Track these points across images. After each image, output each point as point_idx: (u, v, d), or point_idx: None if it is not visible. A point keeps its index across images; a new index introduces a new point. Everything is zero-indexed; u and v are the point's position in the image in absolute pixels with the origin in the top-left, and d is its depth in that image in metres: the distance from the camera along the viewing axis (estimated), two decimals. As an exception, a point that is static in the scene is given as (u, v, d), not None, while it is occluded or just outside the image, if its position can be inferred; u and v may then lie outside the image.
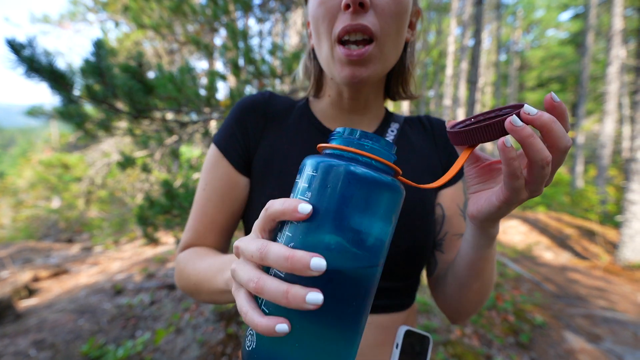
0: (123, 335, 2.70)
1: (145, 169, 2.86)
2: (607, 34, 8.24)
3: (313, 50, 0.53)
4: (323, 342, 0.26)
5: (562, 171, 14.83)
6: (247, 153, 0.51)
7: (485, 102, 17.83)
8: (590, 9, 10.67)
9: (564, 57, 16.82)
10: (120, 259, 5.32)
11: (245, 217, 0.54)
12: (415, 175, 0.52)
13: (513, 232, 6.89)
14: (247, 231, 0.53)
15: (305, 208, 0.25)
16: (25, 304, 3.60)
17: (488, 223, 0.35)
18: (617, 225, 5.29)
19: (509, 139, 0.29)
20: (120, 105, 1.80)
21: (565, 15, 20.21)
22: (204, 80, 2.83)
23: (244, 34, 2.99)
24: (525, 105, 0.28)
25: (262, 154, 0.51)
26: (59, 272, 4.69)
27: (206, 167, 0.52)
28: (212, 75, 2.93)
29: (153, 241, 2.36)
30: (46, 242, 7.21)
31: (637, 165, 4.56)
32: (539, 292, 4.00)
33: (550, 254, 5.72)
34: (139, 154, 4.58)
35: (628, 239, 4.67)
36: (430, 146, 0.57)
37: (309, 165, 0.28)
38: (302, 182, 0.28)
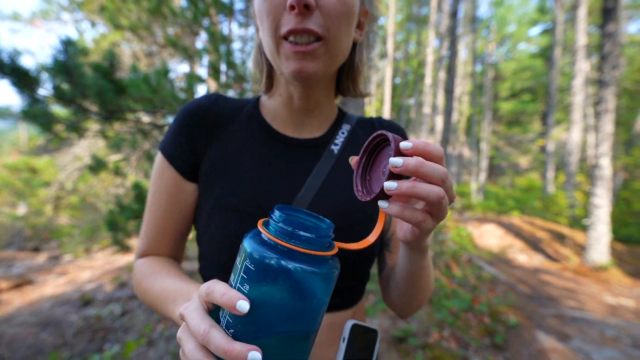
0: (90, 349, 2.56)
1: (119, 172, 2.75)
2: (572, 48, 8.78)
3: (261, 44, 0.51)
4: None
5: (535, 177, 15.52)
6: (193, 159, 0.51)
7: (463, 110, 18.47)
8: (557, 25, 11.35)
9: (534, 69, 17.76)
10: (91, 268, 5.06)
11: (195, 222, 0.54)
12: None
13: (489, 235, 7.11)
14: (198, 236, 0.53)
15: (244, 307, 0.27)
16: (-18, 317, 3.35)
17: (415, 244, 0.39)
18: (584, 229, 5.56)
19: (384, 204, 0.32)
20: (90, 105, 1.73)
21: (535, 31, 21.41)
22: (183, 83, 2.78)
23: (225, 38, 2.97)
24: (391, 159, 0.29)
25: (211, 160, 0.50)
26: (21, 282, 4.41)
27: (154, 174, 0.52)
28: (191, 78, 2.88)
29: (124, 248, 2.27)
30: (9, 251, 6.76)
31: (601, 172, 4.84)
32: (513, 293, 4.12)
33: (524, 257, 5.93)
34: (113, 157, 4.41)
35: (594, 241, 4.92)
36: None
37: (247, 255, 0.29)
38: (240, 271, 0.30)
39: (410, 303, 0.52)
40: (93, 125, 2.14)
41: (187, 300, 0.38)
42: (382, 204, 0.31)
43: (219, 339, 0.27)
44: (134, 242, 5.21)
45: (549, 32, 18.90)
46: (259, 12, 0.44)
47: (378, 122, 0.60)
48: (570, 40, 12.32)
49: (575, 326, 3.08)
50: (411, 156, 0.29)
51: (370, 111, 13.55)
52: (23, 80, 1.40)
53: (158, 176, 0.51)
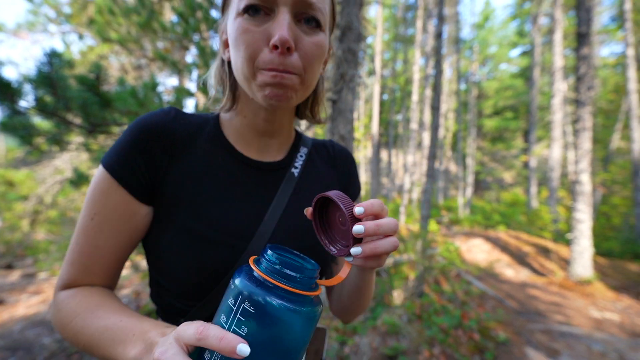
0: (63, 374, 2.41)
1: (101, 186, 2.67)
2: (550, 69, 9.22)
3: (229, 62, 0.50)
4: None
5: (519, 192, 15.91)
6: (150, 181, 0.46)
7: (448, 126, 18.99)
8: (535, 47, 11.95)
9: (515, 88, 18.55)
10: (68, 286, 4.83)
11: (148, 247, 0.50)
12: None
13: (477, 250, 7.17)
14: (149, 259, 0.50)
15: (244, 351, 0.28)
16: (-55, 342, 3.12)
17: (370, 270, 0.48)
18: (568, 243, 5.67)
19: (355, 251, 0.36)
20: (74, 118, 1.69)
21: (515, 52, 22.49)
22: (171, 97, 2.75)
23: (214, 53, 2.98)
24: (354, 228, 0.34)
25: (172, 181, 0.47)
26: (-9, 303, 4.15)
27: (95, 194, 0.45)
28: (179, 91, 2.86)
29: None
30: (-20, 268, 6.38)
31: (582, 187, 5.00)
32: (502, 308, 4.13)
33: (511, 271, 5.99)
34: (95, 171, 4.29)
35: (578, 255, 5.02)
36: (332, 172, 0.61)
37: (245, 297, 0.31)
38: (237, 313, 0.31)
39: (355, 310, 0.58)
40: (76, 138, 2.08)
41: (142, 340, 0.35)
42: (348, 259, 0.38)
43: None
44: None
45: (528, 53, 19.88)
46: (237, 40, 0.44)
47: (331, 147, 0.64)
48: (547, 62, 12.96)
49: (563, 341, 3.09)
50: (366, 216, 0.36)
51: (359, 126, 13.75)
52: (3, 91, 1.35)
53: (101, 197, 0.45)
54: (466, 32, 19.24)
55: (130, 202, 0.46)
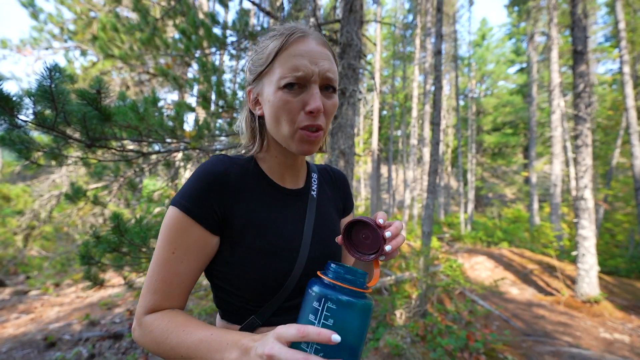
0: (49, 401, 2.28)
1: (97, 201, 2.61)
2: (547, 86, 9.35)
3: (259, 117, 0.66)
4: None
5: (521, 208, 15.81)
6: (220, 216, 0.58)
7: (448, 142, 19.10)
8: (532, 65, 12.16)
9: (514, 104, 18.78)
10: (59, 305, 4.67)
11: (215, 267, 0.61)
12: (330, 213, 0.74)
13: (480, 268, 7.03)
14: (217, 275, 0.62)
15: (337, 338, 0.39)
16: None
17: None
18: (573, 260, 5.56)
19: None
20: (73, 132, 1.66)
21: (513, 69, 22.92)
22: (172, 112, 2.74)
23: (216, 69, 3.00)
24: (392, 243, 0.52)
25: (237, 214, 0.60)
26: (-20, 322, 4.01)
27: (172, 231, 0.56)
28: (180, 106, 2.85)
29: (98, 284, 2.08)
30: (-29, 285, 6.21)
31: (585, 203, 4.94)
32: (508, 329, 3.99)
33: (515, 290, 5.84)
34: (93, 186, 4.24)
35: (584, 273, 4.90)
36: (334, 192, 0.79)
37: (324, 299, 0.44)
38: (320, 312, 0.43)
39: None
40: (74, 153, 2.05)
41: (237, 347, 0.46)
42: (382, 258, 0.54)
43: (318, 359, 0.38)
44: (110, 277, 4.89)
45: (525, 70, 20.25)
46: (279, 108, 0.58)
47: (330, 171, 0.82)
48: (545, 79, 13.17)
49: (574, 365, 2.96)
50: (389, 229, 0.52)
51: (358, 142, 13.81)
52: (3, 105, 1.33)
53: (180, 234, 0.56)
54: (464, 50, 19.65)
55: (205, 235, 0.57)
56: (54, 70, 1.38)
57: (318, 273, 0.48)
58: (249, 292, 0.59)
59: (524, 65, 20.51)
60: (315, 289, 0.45)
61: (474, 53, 20.83)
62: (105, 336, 3.39)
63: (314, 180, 0.73)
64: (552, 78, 8.51)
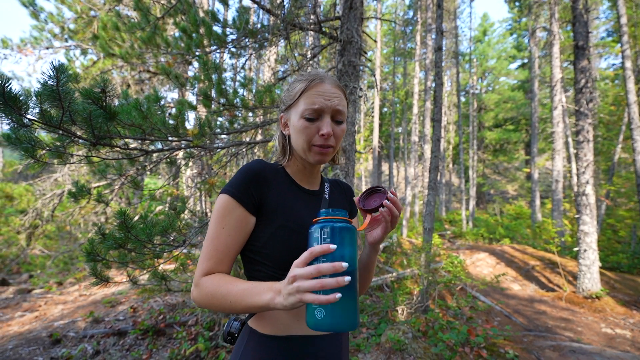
0: (56, 396, 2.31)
1: (100, 199, 2.63)
2: (549, 82, 9.31)
3: (287, 136, 0.87)
4: (350, 302, 0.58)
5: (523, 205, 15.78)
6: (257, 201, 0.77)
7: (450, 138, 19.05)
8: (534, 60, 12.10)
9: (515, 100, 18.68)
10: (63, 303, 4.71)
11: (251, 241, 0.79)
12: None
13: (482, 264, 7.04)
14: (251, 249, 0.79)
15: (333, 247, 0.57)
16: None
17: (377, 244, 0.82)
18: (575, 256, 5.57)
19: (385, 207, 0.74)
20: (78, 131, 1.67)
21: (514, 65, 22.75)
22: (173, 110, 2.75)
23: (217, 67, 3.00)
24: (389, 194, 0.75)
25: (271, 202, 0.79)
26: (-14, 319, 4.05)
27: (222, 212, 0.75)
28: (182, 104, 2.86)
29: (104, 281, 2.10)
30: (-24, 283, 6.25)
31: (587, 199, 4.94)
32: (509, 324, 4.01)
33: (517, 286, 5.86)
34: (96, 184, 4.26)
35: (585, 269, 4.91)
36: (342, 196, 0.99)
37: (321, 229, 0.61)
38: (320, 237, 0.60)
39: (364, 285, 0.90)
40: (78, 151, 2.06)
41: (270, 289, 0.61)
42: (382, 208, 0.74)
43: (327, 265, 0.54)
44: (113, 275, 4.91)
45: (526, 65, 20.13)
46: (301, 130, 0.79)
47: (340, 183, 1.03)
48: (546, 74, 13.10)
49: (574, 358, 2.98)
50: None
51: (359, 139, 13.77)
52: (11, 104, 1.35)
53: (227, 213, 0.74)
54: (465, 46, 19.54)
55: (246, 214, 0.76)
56: (59, 71, 1.40)
57: (313, 220, 0.66)
58: (275, 261, 0.76)
59: (526, 60, 20.40)
60: (314, 227, 0.62)
61: (475, 49, 20.72)
62: (110, 333, 3.43)
63: (327, 187, 0.95)
64: (554, 74, 8.47)
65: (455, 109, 18.78)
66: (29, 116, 1.48)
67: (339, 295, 0.52)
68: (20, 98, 1.38)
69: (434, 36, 11.86)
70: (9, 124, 1.50)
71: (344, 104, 0.83)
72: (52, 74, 1.39)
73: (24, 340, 3.30)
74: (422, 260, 4.47)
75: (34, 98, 1.43)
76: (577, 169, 5.09)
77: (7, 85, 1.31)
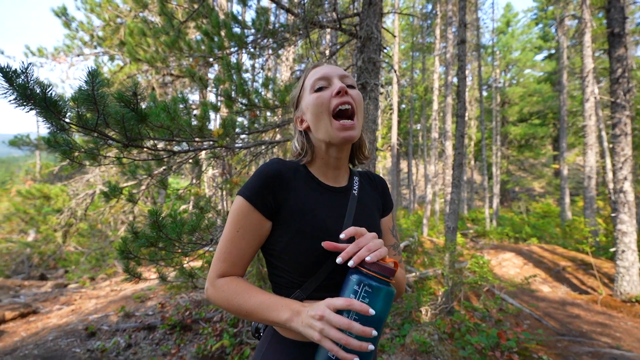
0: (93, 387, 2.42)
1: (131, 199, 2.72)
2: (579, 73, 8.83)
3: (305, 132, 0.82)
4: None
5: (551, 202, 15.09)
6: (273, 205, 0.73)
7: (471, 134, 18.48)
8: (562, 50, 11.52)
9: (542, 93, 17.85)
10: (96, 297, 4.94)
11: (269, 246, 0.76)
12: (370, 210, 0.85)
13: (508, 264, 6.79)
14: (270, 254, 0.76)
15: (372, 312, 0.55)
16: (-16, 350, 3.23)
17: None
18: (611, 257, 5.26)
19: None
20: (111, 133, 1.73)
21: (540, 56, 21.76)
22: (196, 111, 2.80)
23: (238, 68, 3.03)
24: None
25: (289, 206, 0.73)
26: (26, 312, 4.31)
27: (237, 215, 0.72)
28: (205, 105, 2.92)
29: (136, 277, 2.18)
30: (17, 279, 6.69)
31: (625, 196, 4.65)
32: (540, 328, 3.84)
33: (547, 288, 5.61)
34: (124, 184, 4.43)
35: (624, 270, 4.63)
36: (374, 191, 0.91)
37: (361, 283, 0.58)
38: (360, 291, 0.57)
39: (398, 291, 0.85)
40: (110, 153, 2.14)
41: (290, 309, 0.62)
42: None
43: (358, 327, 0.53)
44: (145, 271, 5.09)
45: (553, 56, 19.20)
46: (314, 105, 0.75)
47: (371, 175, 0.95)
48: (575, 65, 12.44)
49: (615, 366, 2.81)
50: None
51: (377, 136, 13.59)
52: (51, 109, 1.43)
53: (242, 217, 0.72)
54: (487, 38, 18.87)
55: (261, 219, 0.72)
56: (94, 75, 1.45)
57: (356, 264, 0.61)
58: (295, 268, 0.72)
59: (553, 51, 19.45)
60: (355, 276, 0.59)
61: (497, 41, 19.97)
62: (140, 327, 3.56)
63: (356, 182, 0.87)
64: (585, 64, 8.01)
65: (477, 103, 18.20)
66: (66, 119, 1.56)
67: (357, 359, 0.53)
68: (59, 103, 1.45)
69: (454, 29, 11.52)
70: (48, 127, 1.58)
71: (351, 76, 0.79)
72: (87, 79, 1.45)
73: (62, 333, 3.48)
74: (446, 260, 4.36)
75: (71, 102, 1.50)
76: (613, 165, 4.80)
77: (48, 91, 1.38)
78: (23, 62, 1.26)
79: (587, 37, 7.91)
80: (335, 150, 0.78)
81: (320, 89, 0.76)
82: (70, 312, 4.34)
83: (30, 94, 1.29)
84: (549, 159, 19.76)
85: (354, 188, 0.84)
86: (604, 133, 8.67)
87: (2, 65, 1.20)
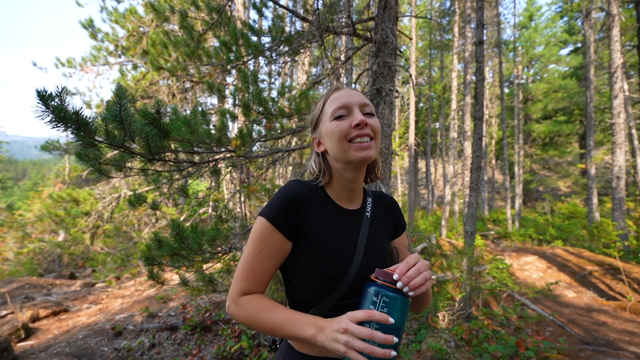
0: (121, 385, 2.56)
1: (155, 206, 2.86)
2: (607, 68, 8.42)
3: (322, 154, 0.85)
4: None
5: (577, 203, 14.45)
6: (295, 226, 0.76)
7: (492, 132, 17.96)
8: (589, 44, 11.01)
9: (567, 89, 17.10)
10: (122, 297, 5.18)
11: (288, 266, 0.79)
12: (381, 233, 0.88)
13: (531, 268, 6.59)
14: (289, 273, 0.79)
15: (392, 321, 0.58)
16: (22, 345, 3.47)
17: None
18: (642, 263, 5.02)
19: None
20: (136, 148, 1.84)
21: (565, 51, 20.81)
22: (214, 117, 2.90)
23: (255, 77, 3.11)
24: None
25: (307, 226, 0.77)
26: (58, 310, 4.57)
27: (260, 236, 0.75)
28: (223, 114, 3.01)
29: (160, 283, 2.30)
30: (48, 277, 7.11)
31: (656, 200, 4.42)
32: (563, 336, 3.72)
33: (572, 293, 5.41)
34: (146, 188, 4.62)
35: (655, 277, 4.40)
36: (386, 212, 0.93)
37: (383, 295, 0.62)
38: (378, 302, 0.62)
39: (422, 303, 0.87)
40: (136, 164, 2.26)
41: (314, 325, 0.64)
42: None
43: (381, 335, 0.56)
44: (167, 276, 5.29)
45: (579, 50, 18.35)
46: (334, 130, 0.77)
47: (384, 196, 0.96)
48: (603, 59, 11.86)
49: (644, 380, 2.70)
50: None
51: (394, 136, 13.47)
52: (83, 129, 1.54)
53: (265, 237, 0.74)
54: (508, 34, 18.26)
55: (282, 240, 0.75)
56: (121, 96, 1.56)
57: (372, 277, 0.65)
58: (311, 288, 0.75)
59: (579, 45, 18.59)
60: (373, 288, 0.63)
61: (520, 36, 19.28)
62: (163, 328, 3.72)
63: (369, 204, 0.89)
64: (613, 58, 7.64)
65: (498, 101, 17.67)
66: (97, 138, 1.67)
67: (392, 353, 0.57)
68: (90, 124, 1.56)
69: (473, 25, 11.24)
70: (80, 144, 1.70)
71: (370, 103, 0.81)
72: (115, 100, 1.56)
73: (91, 331, 3.69)
74: (464, 265, 4.29)
75: (99, 121, 1.61)
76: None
77: (80, 112, 1.49)
78: (57, 87, 1.36)
79: (615, 32, 7.53)
80: (351, 171, 0.80)
81: (339, 117, 0.78)
82: (98, 311, 4.57)
83: (64, 116, 1.40)
84: (575, 158, 18.91)
85: (367, 210, 0.87)
86: (634, 131, 8.24)
87: (39, 89, 1.31)
